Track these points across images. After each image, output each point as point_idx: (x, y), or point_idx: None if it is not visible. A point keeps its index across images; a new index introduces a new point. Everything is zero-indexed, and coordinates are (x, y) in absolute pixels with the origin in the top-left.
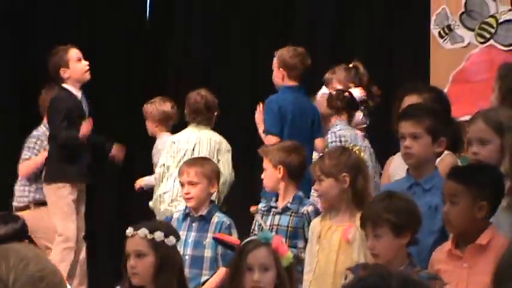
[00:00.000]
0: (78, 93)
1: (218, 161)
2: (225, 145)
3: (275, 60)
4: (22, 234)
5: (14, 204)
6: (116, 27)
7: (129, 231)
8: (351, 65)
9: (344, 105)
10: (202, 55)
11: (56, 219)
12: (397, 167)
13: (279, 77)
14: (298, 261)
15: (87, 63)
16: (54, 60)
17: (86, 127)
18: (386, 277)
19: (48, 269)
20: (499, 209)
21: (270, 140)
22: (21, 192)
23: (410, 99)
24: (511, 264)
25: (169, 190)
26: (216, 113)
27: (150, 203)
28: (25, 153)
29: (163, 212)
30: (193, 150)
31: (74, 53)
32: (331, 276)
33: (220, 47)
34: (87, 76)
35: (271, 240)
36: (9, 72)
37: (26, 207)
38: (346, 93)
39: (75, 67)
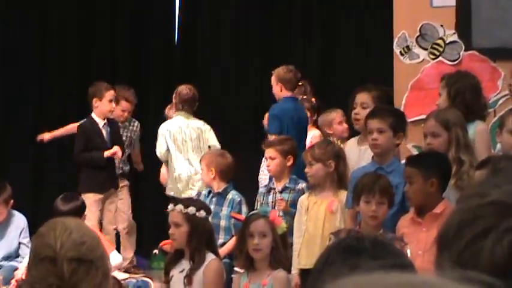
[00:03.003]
0: (101, 122)
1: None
2: (207, 127)
3: (273, 78)
4: (81, 210)
5: None
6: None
7: (170, 207)
8: (300, 83)
9: None
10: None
11: None
12: (349, 150)
13: (277, 90)
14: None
15: (114, 105)
16: (92, 90)
17: (114, 151)
18: (361, 239)
19: (88, 236)
20: (448, 186)
21: (272, 138)
22: None
23: (360, 96)
24: (453, 227)
25: (182, 172)
26: (196, 104)
27: (168, 190)
28: None
29: (183, 191)
30: (185, 136)
31: (109, 94)
32: (319, 239)
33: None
34: (110, 115)
35: (268, 213)
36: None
37: None
38: None
39: (105, 104)
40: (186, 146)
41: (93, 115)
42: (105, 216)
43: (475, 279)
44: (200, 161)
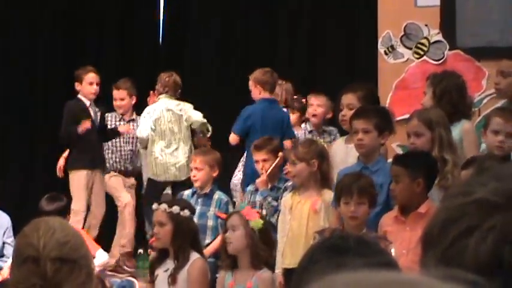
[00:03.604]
0: (87, 102)
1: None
2: (187, 105)
3: (250, 82)
4: (65, 210)
5: None
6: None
7: (155, 206)
8: (282, 83)
9: None
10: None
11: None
12: (336, 148)
13: (256, 93)
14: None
15: (96, 88)
16: (76, 74)
17: (84, 124)
18: (346, 238)
19: (71, 235)
20: (433, 186)
21: (232, 137)
22: None
23: (347, 97)
24: (437, 225)
25: (160, 156)
26: (179, 90)
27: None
28: None
29: (158, 175)
30: (166, 118)
31: (90, 76)
32: (303, 238)
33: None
34: (92, 97)
35: (241, 209)
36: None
37: None
38: None
39: (86, 87)
40: (166, 129)
41: (79, 96)
42: (92, 201)
43: (460, 278)
44: (198, 159)
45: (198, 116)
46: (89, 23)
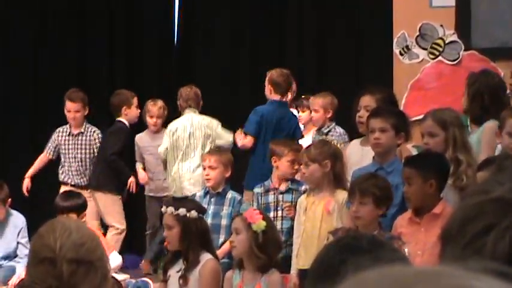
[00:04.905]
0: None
1: (212, 138)
2: (214, 123)
3: (266, 79)
4: (82, 208)
5: None
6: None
7: (163, 209)
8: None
9: None
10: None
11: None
12: (351, 150)
13: (268, 92)
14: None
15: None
16: (118, 99)
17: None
18: (359, 238)
19: (87, 237)
20: (446, 187)
21: (249, 139)
22: None
23: (365, 99)
24: (456, 223)
25: (181, 172)
26: (201, 103)
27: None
28: None
29: (181, 188)
30: (189, 137)
31: (135, 100)
32: (316, 239)
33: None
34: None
35: (244, 211)
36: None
37: None
38: None
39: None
40: (189, 145)
41: (123, 120)
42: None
43: (494, 270)
44: (212, 158)
45: (226, 138)
46: (98, 22)
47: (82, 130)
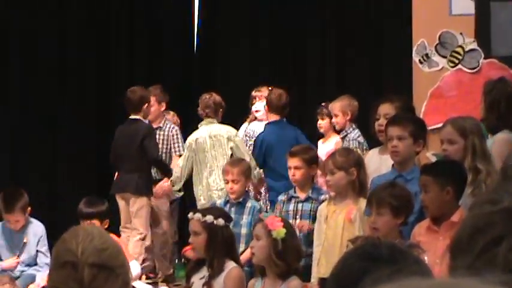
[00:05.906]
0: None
1: (231, 148)
2: (233, 132)
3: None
4: (105, 215)
5: None
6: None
7: (190, 215)
8: (270, 88)
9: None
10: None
11: None
12: (369, 158)
13: (265, 114)
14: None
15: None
16: (140, 96)
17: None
18: (378, 246)
19: (109, 243)
20: (465, 195)
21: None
22: None
23: (384, 107)
24: (466, 234)
25: (212, 182)
26: (221, 110)
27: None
28: None
29: (209, 197)
30: (209, 148)
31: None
32: (338, 248)
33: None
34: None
35: (265, 218)
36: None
37: None
38: None
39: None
40: (207, 156)
41: (146, 121)
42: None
43: (510, 282)
44: (235, 171)
45: (242, 153)
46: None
47: (160, 125)
